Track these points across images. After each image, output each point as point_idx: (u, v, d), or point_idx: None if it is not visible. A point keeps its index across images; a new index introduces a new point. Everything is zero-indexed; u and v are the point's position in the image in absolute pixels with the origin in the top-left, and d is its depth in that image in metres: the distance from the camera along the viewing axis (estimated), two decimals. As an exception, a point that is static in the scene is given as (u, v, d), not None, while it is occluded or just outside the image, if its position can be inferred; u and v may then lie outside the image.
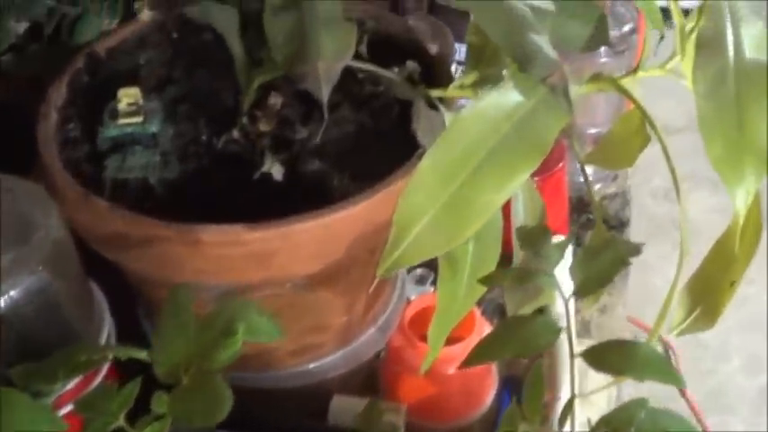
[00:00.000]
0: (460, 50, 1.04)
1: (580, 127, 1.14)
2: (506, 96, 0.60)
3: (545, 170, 0.99)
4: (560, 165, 1.01)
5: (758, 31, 0.66)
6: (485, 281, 0.63)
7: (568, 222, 1.07)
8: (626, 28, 1.11)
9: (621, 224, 1.15)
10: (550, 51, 0.62)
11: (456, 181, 0.57)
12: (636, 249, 0.61)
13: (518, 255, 0.70)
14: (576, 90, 0.64)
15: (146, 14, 0.86)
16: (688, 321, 0.69)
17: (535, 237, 0.63)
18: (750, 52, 0.64)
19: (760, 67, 0.62)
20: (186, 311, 0.60)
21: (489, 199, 0.57)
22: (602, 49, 1.07)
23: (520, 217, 0.74)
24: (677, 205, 0.61)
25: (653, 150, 0.73)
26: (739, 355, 1.99)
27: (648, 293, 1.32)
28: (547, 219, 0.75)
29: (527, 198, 0.74)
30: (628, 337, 1.53)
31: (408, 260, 0.57)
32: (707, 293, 0.69)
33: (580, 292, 0.60)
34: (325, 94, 0.58)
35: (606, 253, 0.60)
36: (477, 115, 0.59)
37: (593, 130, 1.15)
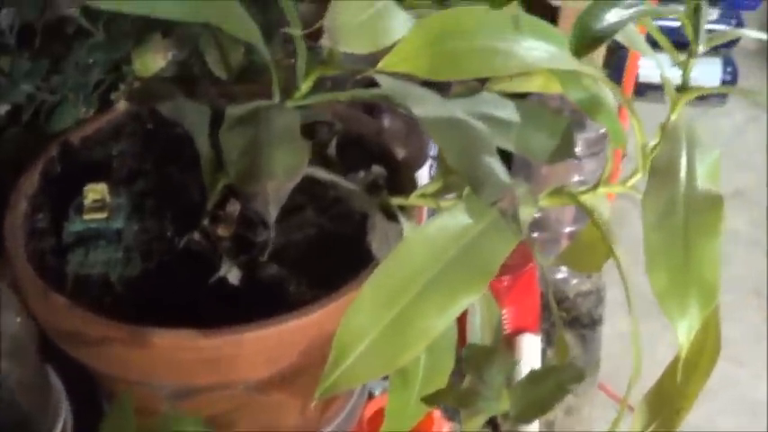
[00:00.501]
0: (435, 146, 1.05)
1: (554, 224, 1.14)
2: (456, 219, 0.60)
3: (516, 269, 1.00)
4: (532, 263, 1.02)
5: (713, 159, 0.66)
6: (428, 401, 0.63)
7: (540, 320, 1.07)
8: (602, 129, 1.11)
9: (593, 322, 1.13)
10: (503, 174, 0.62)
11: (398, 305, 0.57)
12: (579, 376, 0.61)
13: (468, 371, 0.70)
14: (530, 211, 0.64)
15: (122, 104, 0.87)
16: (644, 434, 0.69)
17: (481, 360, 0.63)
18: (702, 182, 0.63)
19: (710, 199, 0.61)
20: (128, 420, 0.61)
21: (431, 324, 0.57)
22: (578, 148, 1.08)
23: (476, 327, 0.74)
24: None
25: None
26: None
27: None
28: (503, 329, 0.75)
29: (484, 308, 0.74)
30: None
31: (347, 382, 0.57)
32: (663, 410, 0.69)
33: (519, 419, 0.60)
34: (272, 215, 0.58)
35: (548, 380, 0.60)
36: (424, 238, 0.59)
37: (568, 229, 1.15)
